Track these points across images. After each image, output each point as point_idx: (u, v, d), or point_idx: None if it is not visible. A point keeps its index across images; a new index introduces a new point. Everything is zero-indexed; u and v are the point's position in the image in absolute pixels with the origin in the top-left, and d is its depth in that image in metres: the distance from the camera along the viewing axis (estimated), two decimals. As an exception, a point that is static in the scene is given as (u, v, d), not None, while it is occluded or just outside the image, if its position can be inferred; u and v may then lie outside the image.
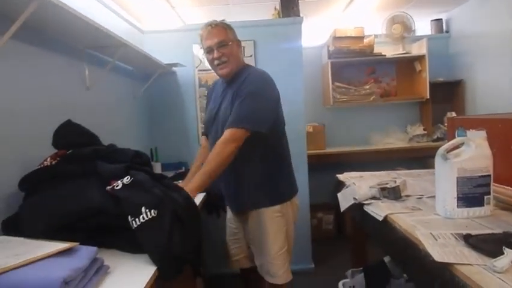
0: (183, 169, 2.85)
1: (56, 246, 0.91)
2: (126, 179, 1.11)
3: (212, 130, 1.84)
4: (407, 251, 1.19)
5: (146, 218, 1.06)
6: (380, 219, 1.38)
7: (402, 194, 1.58)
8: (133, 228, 1.06)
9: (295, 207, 1.92)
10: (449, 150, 1.31)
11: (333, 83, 3.72)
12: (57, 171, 1.17)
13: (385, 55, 3.75)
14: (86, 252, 0.92)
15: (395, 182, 1.63)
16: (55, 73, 1.70)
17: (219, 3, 3.07)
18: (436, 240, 1.07)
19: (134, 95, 2.70)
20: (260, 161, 1.76)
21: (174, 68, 2.95)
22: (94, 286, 0.91)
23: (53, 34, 1.65)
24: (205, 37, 1.74)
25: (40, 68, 1.58)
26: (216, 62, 1.74)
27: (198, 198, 1.86)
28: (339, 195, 1.89)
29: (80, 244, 0.98)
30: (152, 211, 1.07)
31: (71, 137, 1.26)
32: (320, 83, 4.01)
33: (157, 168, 2.83)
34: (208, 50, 1.75)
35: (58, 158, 1.24)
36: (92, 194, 1.11)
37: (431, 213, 1.34)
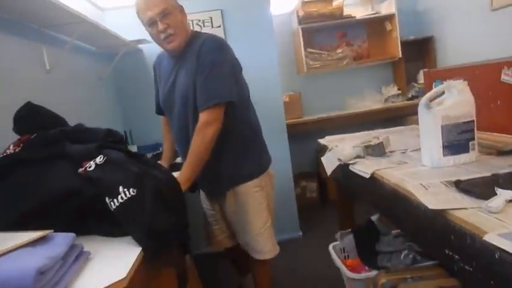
0: (160, 150, 2.75)
1: (28, 236, 0.83)
2: (99, 159, 1.03)
3: (173, 109, 1.68)
4: (397, 204, 1.18)
5: (125, 198, 0.99)
6: (367, 176, 1.36)
7: (386, 150, 1.57)
8: (112, 209, 0.99)
9: (271, 177, 1.84)
10: (431, 100, 1.28)
11: (305, 50, 3.65)
12: (22, 158, 1.07)
13: (355, 17, 3.69)
14: (62, 239, 0.85)
15: (378, 138, 1.61)
16: (9, 56, 1.56)
17: (180, -28, 2.91)
18: (427, 189, 1.05)
19: (99, 76, 2.55)
20: (230, 134, 1.62)
21: (140, 46, 2.80)
22: (74, 274, 0.84)
23: (2, 13, 1.51)
24: (143, 8, 1.51)
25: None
26: (162, 36, 1.53)
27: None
28: (323, 159, 1.86)
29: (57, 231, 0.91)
30: (131, 190, 1.00)
31: (34, 120, 1.16)
32: (292, 51, 3.93)
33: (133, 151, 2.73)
34: (150, 23, 1.52)
35: (22, 144, 1.14)
36: (63, 177, 1.03)
37: (417, 165, 1.33)
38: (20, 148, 1.14)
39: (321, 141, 2.16)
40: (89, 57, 2.45)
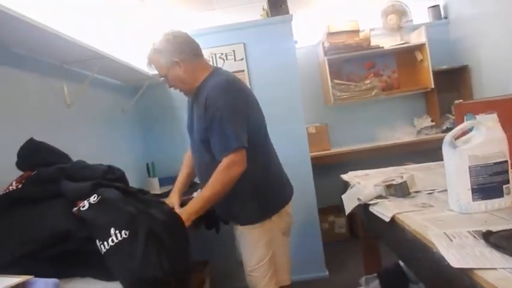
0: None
1: (5, 281, 0.79)
2: (93, 198, 0.98)
3: (192, 140, 1.76)
4: (418, 254, 1.04)
5: (116, 241, 0.93)
6: (387, 220, 1.23)
7: (410, 190, 1.43)
8: (102, 253, 0.93)
9: (284, 216, 1.78)
10: (457, 137, 1.16)
11: (332, 81, 3.58)
12: (19, 196, 1.05)
13: (383, 47, 3.60)
14: (42, 287, 0.79)
15: (402, 177, 1.48)
16: (29, 92, 1.60)
17: (205, 8, 2.98)
18: (451, 240, 0.92)
19: (123, 109, 2.59)
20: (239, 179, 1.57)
21: (163, 79, 2.84)
22: (53, 326, 0.78)
23: (23, 51, 1.56)
24: None
25: (10, 89, 1.48)
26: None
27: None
28: (343, 197, 1.74)
29: (47, 275, 0.86)
30: (123, 232, 0.94)
31: (35, 157, 1.14)
32: (319, 82, 3.88)
33: (155, 183, 2.72)
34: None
35: (24, 181, 1.12)
36: (56, 218, 0.99)
37: (444, 210, 1.19)
38: (21, 185, 1.12)
39: (344, 177, 2.04)
40: (112, 91, 2.50)
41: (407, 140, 3.58)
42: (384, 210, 1.30)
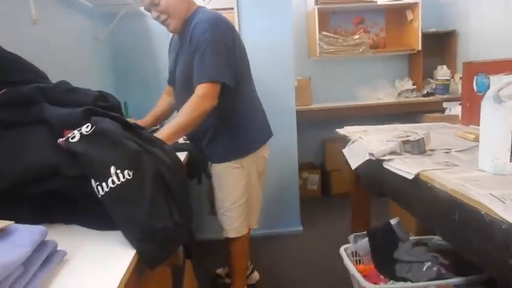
0: (158, 126, 2.50)
1: (-23, 227, 0.59)
2: (85, 128, 0.78)
3: (176, 84, 1.76)
4: (453, 215, 0.95)
5: (117, 182, 0.74)
6: (410, 177, 1.13)
7: (426, 148, 1.34)
8: (99, 196, 0.75)
9: (261, 159, 1.84)
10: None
11: (320, 32, 3.38)
12: (-15, 119, 0.82)
13: (376, 1, 3.43)
14: (26, 235, 0.61)
15: (417, 133, 1.38)
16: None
17: None
18: (504, 202, 0.82)
19: (96, 37, 2.27)
20: (213, 115, 1.60)
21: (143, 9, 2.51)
22: (43, 284, 0.61)
23: None
24: None
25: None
26: (158, 21, 1.65)
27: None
28: (345, 151, 1.63)
29: (22, 221, 0.67)
30: (126, 172, 0.75)
31: (5, 72, 0.89)
32: (304, 34, 3.66)
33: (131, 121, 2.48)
34: (147, 11, 1.66)
35: (-12, 102, 0.88)
36: (38, 150, 0.78)
37: (472, 170, 1.10)
38: (-15, 106, 0.88)
39: (340, 131, 1.93)
40: (84, 14, 2.16)
41: (389, 101, 3.52)
42: (405, 167, 1.19)
